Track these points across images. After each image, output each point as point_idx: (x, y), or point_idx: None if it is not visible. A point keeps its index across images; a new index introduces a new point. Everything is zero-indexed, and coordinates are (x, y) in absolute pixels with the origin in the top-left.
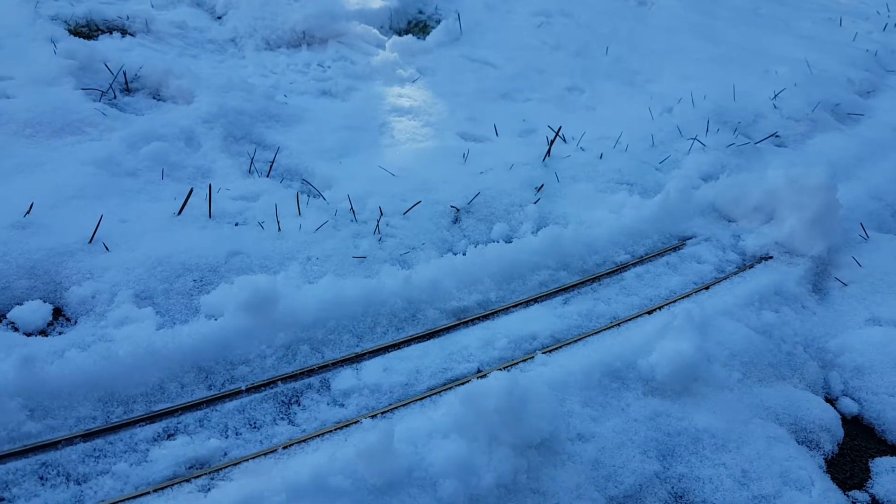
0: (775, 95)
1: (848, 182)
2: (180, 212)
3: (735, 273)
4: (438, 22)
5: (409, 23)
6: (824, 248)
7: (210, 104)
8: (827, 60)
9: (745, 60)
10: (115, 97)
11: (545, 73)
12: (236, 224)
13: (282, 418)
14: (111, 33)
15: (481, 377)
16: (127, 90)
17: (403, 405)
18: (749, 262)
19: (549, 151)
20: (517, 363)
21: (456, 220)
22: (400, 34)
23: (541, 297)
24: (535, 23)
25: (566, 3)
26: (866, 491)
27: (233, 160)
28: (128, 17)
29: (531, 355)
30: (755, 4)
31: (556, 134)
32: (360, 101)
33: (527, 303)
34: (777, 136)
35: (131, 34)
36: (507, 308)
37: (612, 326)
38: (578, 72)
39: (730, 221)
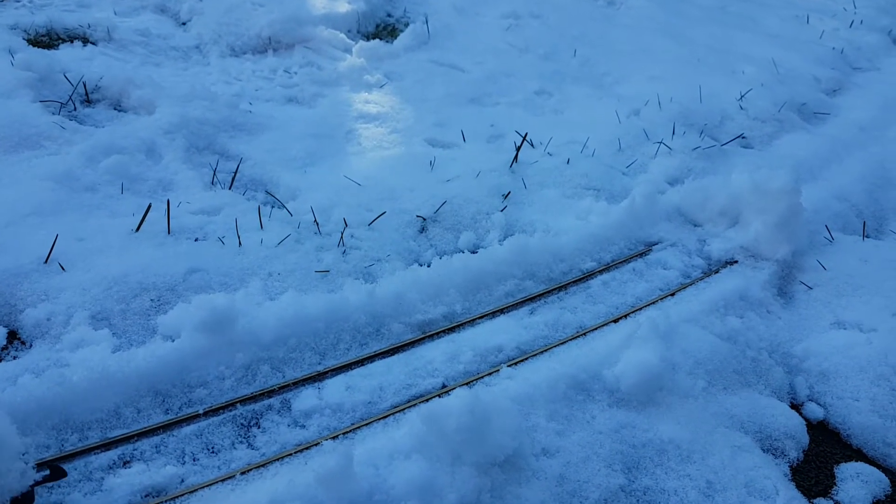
0: (742, 96)
1: (813, 183)
2: (138, 228)
3: (700, 279)
4: (407, 25)
5: (378, 26)
6: (789, 252)
7: (171, 114)
8: (793, 59)
9: (713, 60)
10: (74, 109)
11: (514, 76)
12: (196, 239)
13: (240, 442)
14: (72, 42)
15: (443, 395)
16: (87, 101)
17: (366, 425)
18: (714, 267)
19: (516, 157)
20: (482, 377)
21: (422, 230)
22: (368, 38)
23: (507, 307)
24: (503, 25)
25: (535, 5)
26: (831, 498)
27: (195, 171)
28: (89, 26)
29: (496, 369)
30: (723, 2)
31: (524, 140)
32: (327, 107)
33: (493, 314)
34: (743, 138)
35: (93, 43)
36: (473, 320)
37: (578, 336)
38: (547, 75)
39: (696, 226)
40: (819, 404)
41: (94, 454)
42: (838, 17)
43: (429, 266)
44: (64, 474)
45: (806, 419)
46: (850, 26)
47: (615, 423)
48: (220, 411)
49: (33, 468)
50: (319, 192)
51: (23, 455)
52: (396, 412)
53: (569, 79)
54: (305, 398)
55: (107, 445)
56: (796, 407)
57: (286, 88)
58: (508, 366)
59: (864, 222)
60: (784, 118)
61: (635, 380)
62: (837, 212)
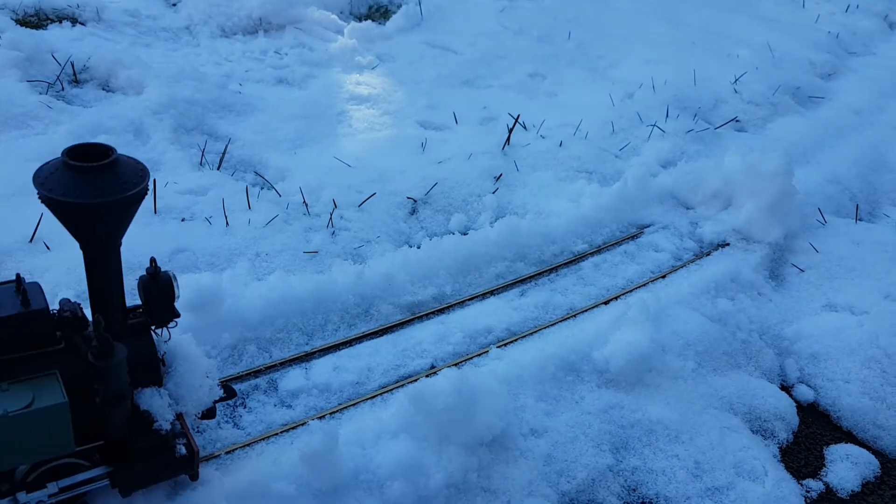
0: (736, 80)
1: (807, 166)
2: None
3: (692, 261)
4: (400, 7)
5: (371, 7)
6: (781, 235)
7: (160, 94)
8: (789, 43)
9: (708, 44)
10: (62, 89)
11: (507, 58)
12: (183, 220)
13: (226, 421)
14: (61, 22)
15: (431, 375)
16: (75, 81)
17: (353, 405)
18: (706, 250)
19: (508, 139)
20: (471, 358)
21: (413, 212)
22: (360, 19)
23: (497, 289)
24: (497, 7)
25: None
26: (820, 479)
27: (183, 152)
28: (78, 6)
29: (486, 350)
30: None
31: (515, 122)
32: (318, 88)
33: (483, 295)
34: (737, 121)
35: (82, 23)
36: (463, 301)
37: (569, 318)
38: (541, 57)
39: (688, 208)
40: (809, 386)
41: None
42: (834, 1)
43: (419, 248)
44: (235, 394)
45: (796, 401)
46: (847, 10)
47: (604, 403)
48: None
49: (218, 385)
50: (309, 174)
51: (207, 374)
52: (384, 392)
53: (563, 61)
54: (292, 378)
55: None
56: (787, 389)
57: (276, 69)
58: (498, 347)
59: (857, 205)
60: (778, 102)
61: (624, 361)
62: (831, 195)
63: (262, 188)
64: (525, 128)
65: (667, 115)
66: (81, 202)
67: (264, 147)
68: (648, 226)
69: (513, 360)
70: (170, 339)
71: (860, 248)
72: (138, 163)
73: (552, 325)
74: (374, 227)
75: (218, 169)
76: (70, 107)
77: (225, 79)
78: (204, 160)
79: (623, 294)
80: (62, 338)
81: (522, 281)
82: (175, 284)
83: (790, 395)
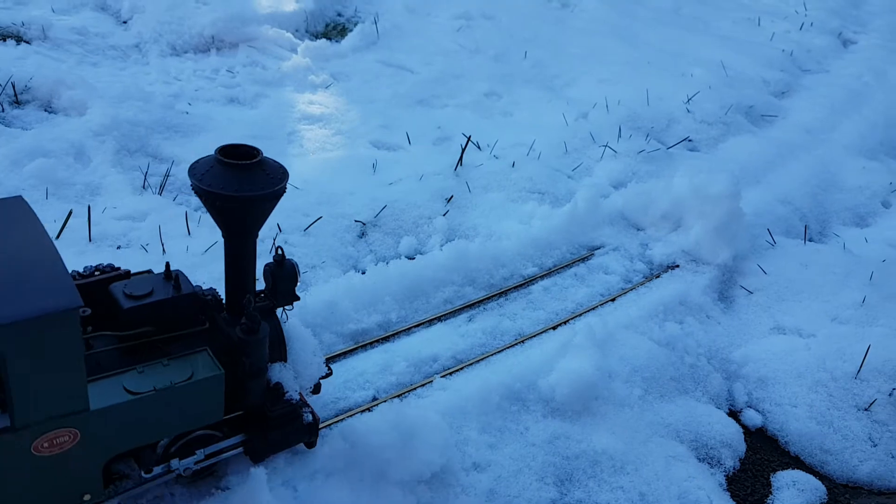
0: (689, 99)
1: (757, 186)
2: (58, 235)
3: (641, 283)
4: (357, 25)
5: (327, 25)
6: (729, 256)
7: (103, 116)
8: (743, 61)
9: (663, 63)
10: (2, 110)
11: (463, 78)
12: (118, 247)
13: None
14: (5, 41)
15: (370, 409)
16: (16, 102)
17: None
18: (656, 272)
19: (461, 160)
20: (414, 389)
21: (362, 235)
22: (317, 37)
23: (445, 314)
24: (455, 26)
25: (488, 5)
26: None
27: (125, 175)
28: (23, 24)
29: (430, 380)
30: (677, 4)
31: (468, 142)
32: (269, 108)
33: (430, 322)
34: (690, 141)
35: (27, 41)
36: (409, 328)
37: (516, 344)
38: (497, 77)
39: (638, 230)
40: (757, 411)
41: None
42: (790, 19)
43: (364, 273)
44: (332, 373)
45: (744, 426)
46: (801, 28)
47: (549, 433)
48: None
49: (324, 363)
50: None
51: (314, 353)
52: (323, 427)
53: (519, 81)
54: None
55: None
56: (735, 414)
57: (228, 88)
58: (442, 376)
59: (806, 226)
60: (730, 121)
61: (570, 389)
62: (781, 215)
63: (203, 213)
64: (479, 147)
65: (619, 136)
66: (236, 195)
67: None
68: (599, 247)
69: (457, 390)
70: (287, 320)
71: (808, 269)
72: (279, 164)
73: (499, 352)
74: (319, 252)
75: (160, 193)
76: (8, 129)
77: (173, 99)
78: (147, 183)
79: (572, 318)
80: (206, 319)
81: (471, 306)
82: (298, 271)
83: (738, 421)
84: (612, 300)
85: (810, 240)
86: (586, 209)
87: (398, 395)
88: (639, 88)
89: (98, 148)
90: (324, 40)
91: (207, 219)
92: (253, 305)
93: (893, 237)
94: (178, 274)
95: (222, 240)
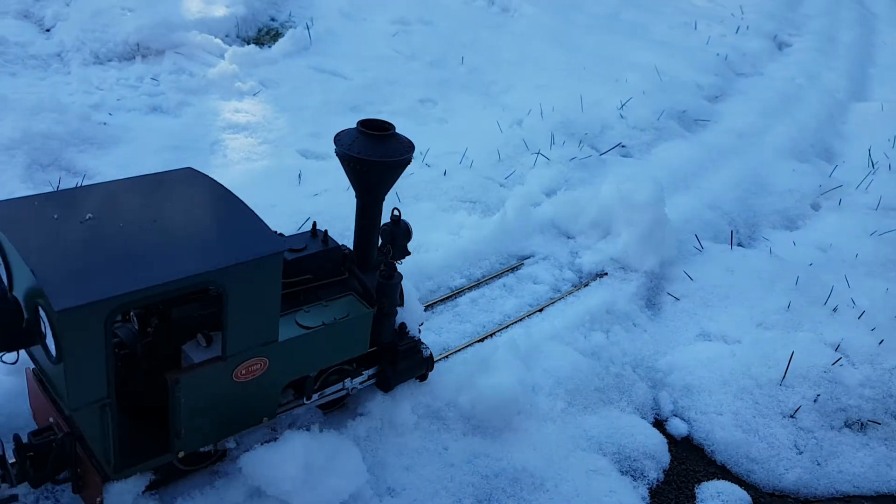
0: (622, 105)
1: (687, 192)
2: None
3: (570, 292)
4: (289, 30)
5: (260, 30)
6: (656, 263)
7: (13, 129)
8: (678, 66)
9: (599, 68)
10: None
11: (398, 84)
12: None
13: None
14: None
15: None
16: None
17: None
18: (585, 280)
19: None
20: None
21: None
22: (248, 43)
23: None
24: (391, 31)
25: (426, 10)
26: None
27: (35, 190)
28: None
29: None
30: (615, 9)
31: None
32: (193, 117)
33: None
34: (623, 147)
35: None
36: None
37: (440, 359)
38: (433, 83)
39: (568, 238)
40: (683, 419)
41: None
42: (726, 22)
43: None
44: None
45: (670, 436)
46: (737, 32)
47: (468, 453)
48: None
49: (423, 310)
50: None
51: (417, 302)
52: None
53: (455, 87)
54: None
55: None
56: (660, 423)
57: (151, 97)
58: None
59: (732, 231)
60: (663, 126)
61: (491, 405)
62: (709, 220)
63: None
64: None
65: (552, 143)
66: (375, 160)
67: None
68: (529, 257)
69: (373, 411)
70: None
71: (734, 275)
72: (408, 138)
73: None
74: None
75: None
76: None
77: (92, 109)
78: None
79: (499, 330)
80: (345, 269)
81: None
82: (411, 229)
83: (664, 430)
84: (540, 310)
85: (739, 244)
86: (516, 218)
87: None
88: (574, 94)
89: (7, 163)
90: (253, 46)
91: None
92: (391, 254)
93: (821, 240)
94: (325, 232)
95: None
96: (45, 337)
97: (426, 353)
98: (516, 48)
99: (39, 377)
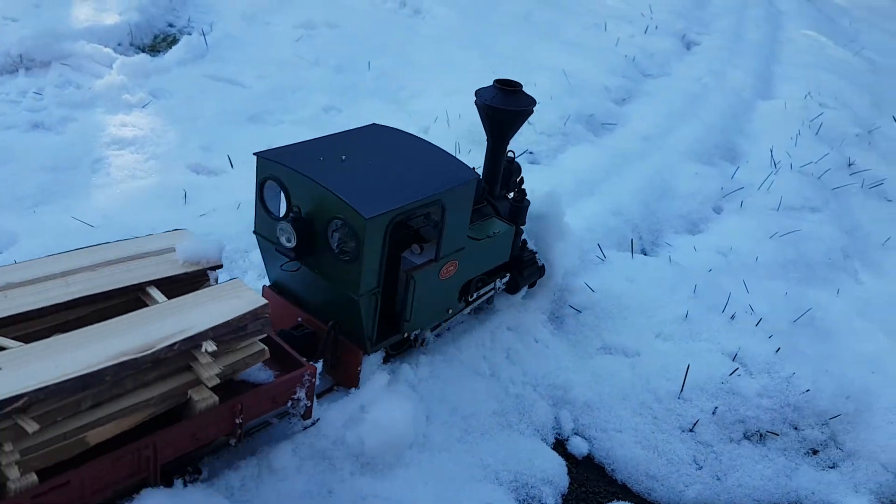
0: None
1: (591, 198)
2: None
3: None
4: (184, 36)
5: (156, 38)
6: (559, 275)
7: None
8: (587, 68)
9: (509, 72)
10: None
11: (301, 91)
12: None
13: None
14: None
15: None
16: None
17: None
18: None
19: None
20: None
21: None
22: (144, 51)
23: None
24: (295, 35)
25: (334, 13)
26: None
27: None
28: None
29: None
30: (528, 9)
31: None
32: (75, 133)
33: None
34: (530, 153)
35: None
36: None
37: (324, 394)
38: (338, 89)
39: None
40: (584, 438)
41: None
42: (635, 22)
43: None
44: None
45: (570, 455)
46: (646, 32)
47: (355, 495)
48: None
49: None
50: (41, 238)
51: None
52: None
53: (362, 93)
54: None
55: None
56: (561, 442)
57: (33, 113)
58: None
59: (632, 239)
60: (570, 131)
61: (381, 440)
62: (613, 227)
63: None
64: None
65: (458, 151)
66: (508, 108)
67: None
68: None
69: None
70: None
71: (634, 284)
72: (531, 95)
73: None
74: None
75: None
76: None
77: None
78: None
79: (393, 356)
80: (482, 198)
81: None
82: (520, 167)
83: (564, 450)
84: (437, 335)
85: (643, 251)
86: None
87: None
88: None
89: None
90: (144, 55)
91: None
92: (521, 182)
93: (722, 244)
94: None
95: None
96: (333, 245)
97: (541, 262)
98: (427, 51)
99: (279, 290)
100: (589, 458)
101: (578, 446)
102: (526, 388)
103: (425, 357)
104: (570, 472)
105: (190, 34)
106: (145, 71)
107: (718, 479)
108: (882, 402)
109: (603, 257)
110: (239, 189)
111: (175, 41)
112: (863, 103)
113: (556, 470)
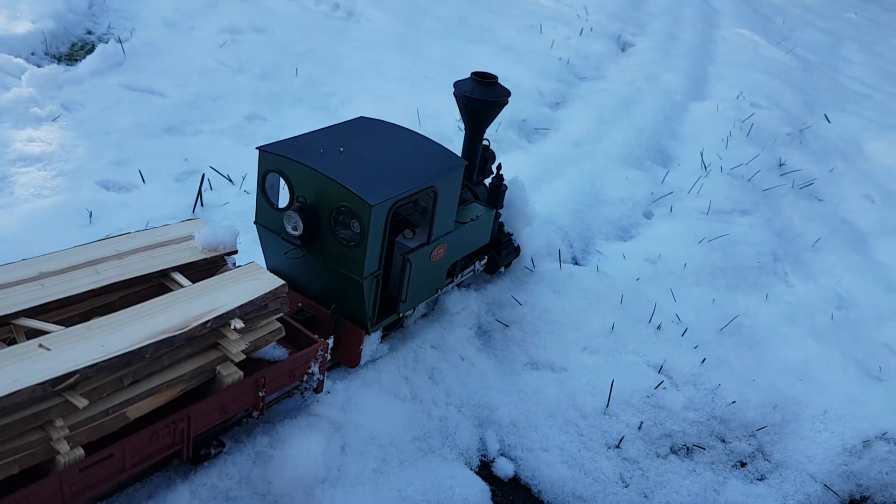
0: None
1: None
2: None
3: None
4: (99, 44)
5: (74, 46)
6: (528, 257)
7: None
8: (520, 72)
9: (441, 77)
10: None
11: (223, 100)
12: None
13: None
14: None
15: None
16: None
17: None
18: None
19: (199, 199)
20: None
21: None
22: (60, 60)
23: None
24: (219, 41)
25: (261, 17)
26: None
27: None
28: None
29: None
30: (462, 13)
31: (202, 179)
32: None
33: None
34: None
35: None
36: None
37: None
38: (263, 97)
39: None
40: (510, 458)
41: None
42: (571, 24)
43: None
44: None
45: (496, 478)
46: (581, 34)
47: None
48: None
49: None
50: None
51: None
52: None
53: (289, 101)
54: None
55: None
56: (487, 465)
57: None
58: None
59: (559, 250)
60: (502, 137)
61: (290, 477)
62: (543, 237)
63: None
64: (231, 181)
65: None
66: (485, 99)
67: None
68: None
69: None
70: None
71: (561, 296)
72: (506, 88)
73: None
74: None
75: None
76: None
77: None
78: None
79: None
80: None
81: None
82: (495, 155)
83: (490, 472)
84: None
85: (574, 260)
86: None
87: None
88: (413, 106)
89: None
90: (55, 65)
91: None
92: (500, 169)
93: (651, 250)
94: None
95: None
96: (337, 230)
97: (517, 244)
98: (359, 56)
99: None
100: (515, 480)
101: (504, 468)
102: (450, 410)
103: (342, 383)
104: (494, 497)
105: (109, 41)
106: (57, 82)
107: (646, 496)
108: (809, 412)
109: (532, 268)
110: (150, 205)
111: (93, 49)
112: (794, 102)
113: (478, 497)
